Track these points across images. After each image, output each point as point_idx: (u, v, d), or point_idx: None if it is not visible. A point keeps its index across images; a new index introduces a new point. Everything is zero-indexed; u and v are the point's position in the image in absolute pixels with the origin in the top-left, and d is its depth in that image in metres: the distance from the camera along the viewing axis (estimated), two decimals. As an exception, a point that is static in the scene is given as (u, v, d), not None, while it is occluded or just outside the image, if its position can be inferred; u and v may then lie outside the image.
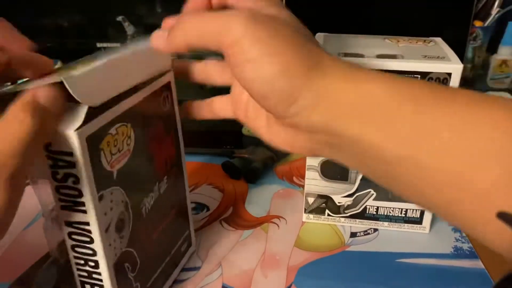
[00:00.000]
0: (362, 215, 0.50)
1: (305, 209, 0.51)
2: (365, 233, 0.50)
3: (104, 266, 0.31)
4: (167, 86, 0.37)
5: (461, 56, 0.81)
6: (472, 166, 0.23)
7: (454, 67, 0.42)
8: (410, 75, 0.42)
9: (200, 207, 0.54)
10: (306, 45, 0.27)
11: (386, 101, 0.26)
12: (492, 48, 0.91)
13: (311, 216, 0.51)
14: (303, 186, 0.54)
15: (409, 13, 0.79)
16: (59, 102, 0.26)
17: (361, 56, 0.44)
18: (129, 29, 0.81)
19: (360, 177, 0.48)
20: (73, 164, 0.28)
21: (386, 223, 0.50)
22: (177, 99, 0.39)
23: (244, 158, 0.60)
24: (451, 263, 0.46)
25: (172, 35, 0.29)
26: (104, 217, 0.30)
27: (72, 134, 0.27)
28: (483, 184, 0.23)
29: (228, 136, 0.65)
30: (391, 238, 0.50)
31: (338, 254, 0.47)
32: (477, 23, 0.89)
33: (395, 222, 0.50)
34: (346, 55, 0.44)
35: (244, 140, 0.62)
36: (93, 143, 0.28)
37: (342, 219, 0.51)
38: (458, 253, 0.47)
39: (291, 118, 0.28)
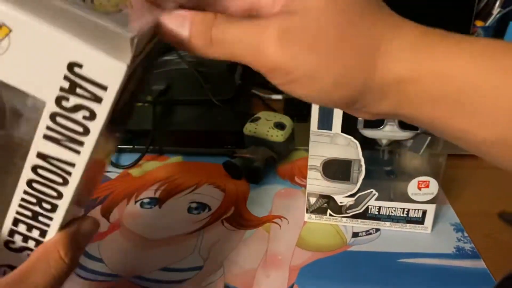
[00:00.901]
0: (364, 215, 0.50)
1: (307, 209, 0.51)
2: (367, 233, 0.50)
3: (63, 211, 0.28)
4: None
5: (462, 56, 0.81)
6: None
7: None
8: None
9: (201, 207, 0.54)
10: (358, 30, 0.23)
11: (469, 82, 0.22)
12: (493, 48, 0.91)
13: (313, 216, 0.51)
14: (305, 186, 0.54)
15: (409, 13, 0.79)
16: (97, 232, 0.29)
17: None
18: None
19: (362, 177, 0.48)
20: (99, 99, 0.24)
21: (388, 223, 0.50)
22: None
23: (245, 158, 0.60)
24: (453, 263, 0.46)
25: (217, 40, 0.24)
26: (88, 163, 0.27)
27: (123, 67, 0.23)
28: None
29: (230, 136, 0.65)
30: (393, 238, 0.49)
31: (340, 254, 0.47)
32: (478, 23, 0.89)
33: (397, 222, 0.50)
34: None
35: (245, 140, 0.62)
36: (126, 83, 0.24)
37: (344, 219, 0.51)
38: (460, 253, 0.47)
39: (354, 111, 0.26)
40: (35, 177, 0.27)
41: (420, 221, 0.50)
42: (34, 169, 0.26)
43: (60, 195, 0.27)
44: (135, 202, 0.55)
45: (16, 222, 0.29)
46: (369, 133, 0.47)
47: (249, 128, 0.61)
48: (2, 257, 0.29)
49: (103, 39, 0.22)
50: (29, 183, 0.27)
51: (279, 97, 0.85)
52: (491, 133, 0.23)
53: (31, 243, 0.29)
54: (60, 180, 0.27)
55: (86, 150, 0.25)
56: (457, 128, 0.23)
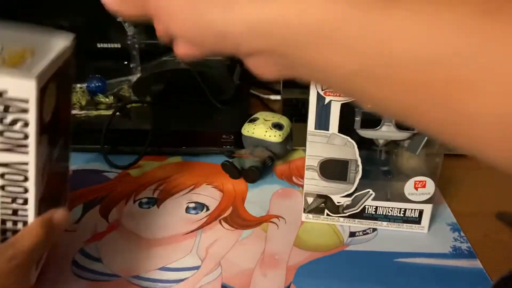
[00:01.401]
0: (361, 214, 0.50)
1: (304, 209, 0.51)
2: (364, 232, 0.51)
3: (33, 202, 0.36)
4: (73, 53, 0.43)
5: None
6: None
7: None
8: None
9: (199, 206, 0.55)
10: None
11: (336, 20, 0.23)
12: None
13: (310, 215, 0.52)
14: (302, 186, 0.54)
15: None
16: (68, 223, 0.39)
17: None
18: (130, 29, 0.82)
19: (359, 177, 0.48)
20: (26, 110, 0.33)
21: (385, 223, 0.50)
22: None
23: (243, 158, 0.60)
24: (449, 262, 0.46)
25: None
26: (40, 159, 0.36)
27: (33, 82, 0.32)
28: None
29: (228, 136, 0.65)
30: (390, 237, 0.50)
31: (337, 253, 0.48)
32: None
33: (394, 221, 0.50)
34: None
35: (243, 140, 0.63)
36: (41, 94, 0.34)
37: (341, 219, 0.51)
38: (456, 253, 0.48)
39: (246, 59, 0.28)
40: (4, 182, 0.35)
41: (417, 221, 0.50)
42: (2, 176, 0.35)
43: (26, 190, 0.36)
44: (134, 202, 0.55)
45: (3, 222, 0.37)
46: (366, 133, 0.47)
47: (247, 129, 0.62)
48: None
49: (18, 71, 0.34)
50: (2, 187, 0.35)
51: (277, 97, 0.85)
52: (355, 64, 0.23)
53: None
54: (22, 178, 0.35)
55: (32, 149, 0.34)
56: (324, 62, 0.24)
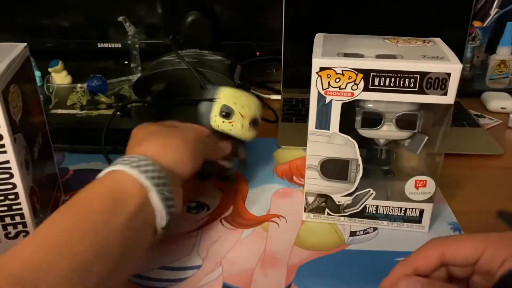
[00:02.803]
0: (362, 214, 0.50)
1: (305, 208, 0.51)
2: (364, 232, 0.51)
3: (23, 195, 0.40)
4: (28, 58, 0.47)
5: (460, 56, 0.82)
6: None
7: (453, 67, 0.42)
8: (409, 75, 0.42)
9: (200, 206, 0.55)
10: None
11: None
12: (491, 48, 0.91)
13: (311, 215, 0.52)
14: (303, 185, 0.54)
15: (408, 13, 0.80)
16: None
17: (361, 56, 0.44)
18: (130, 29, 0.82)
19: (359, 176, 0.48)
20: None
21: (385, 222, 0.51)
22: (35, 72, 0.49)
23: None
24: (450, 261, 0.46)
25: None
26: (19, 156, 0.40)
27: None
28: None
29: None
30: (391, 237, 0.50)
31: (338, 253, 0.48)
32: (476, 23, 0.89)
33: (395, 221, 0.50)
34: (345, 55, 0.44)
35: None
36: (4, 96, 0.38)
37: (342, 218, 0.51)
38: (457, 252, 0.48)
39: None
40: None
41: (418, 220, 0.50)
42: None
43: (14, 186, 0.40)
44: (134, 201, 0.55)
45: (1, 218, 0.41)
46: (366, 132, 0.47)
47: (223, 127, 0.55)
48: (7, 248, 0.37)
49: None
50: None
51: (278, 97, 0.85)
52: None
53: (20, 227, 0.42)
54: (7, 176, 0.39)
55: (8, 148, 0.38)
56: None
